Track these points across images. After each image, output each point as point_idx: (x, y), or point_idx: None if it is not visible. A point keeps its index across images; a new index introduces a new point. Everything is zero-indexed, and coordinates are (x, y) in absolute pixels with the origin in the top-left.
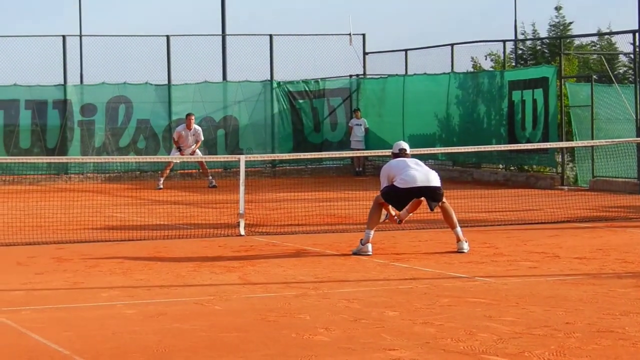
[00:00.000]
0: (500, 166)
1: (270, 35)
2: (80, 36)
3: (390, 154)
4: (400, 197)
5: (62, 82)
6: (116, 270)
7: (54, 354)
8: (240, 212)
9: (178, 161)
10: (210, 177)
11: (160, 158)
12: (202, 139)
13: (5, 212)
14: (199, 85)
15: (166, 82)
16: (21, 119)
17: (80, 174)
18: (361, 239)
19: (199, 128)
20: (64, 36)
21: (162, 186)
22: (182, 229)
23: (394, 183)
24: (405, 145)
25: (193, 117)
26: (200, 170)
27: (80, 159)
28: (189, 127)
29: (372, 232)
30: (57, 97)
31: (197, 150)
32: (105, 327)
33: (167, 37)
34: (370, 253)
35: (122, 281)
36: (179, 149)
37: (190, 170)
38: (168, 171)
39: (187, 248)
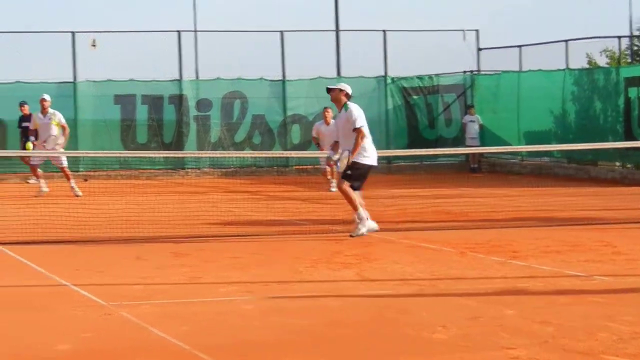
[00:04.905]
0: (617, 164)
1: (384, 31)
2: (195, 31)
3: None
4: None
5: (178, 77)
6: (233, 265)
7: (173, 348)
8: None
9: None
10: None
11: (275, 154)
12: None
13: (123, 207)
14: (313, 80)
15: (281, 78)
16: (138, 113)
17: (197, 169)
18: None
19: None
20: (179, 32)
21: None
22: (298, 224)
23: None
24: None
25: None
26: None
27: (197, 154)
28: (327, 123)
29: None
30: (173, 92)
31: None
32: (224, 322)
33: (281, 32)
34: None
35: (239, 276)
36: (318, 146)
37: (305, 166)
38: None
39: (303, 244)
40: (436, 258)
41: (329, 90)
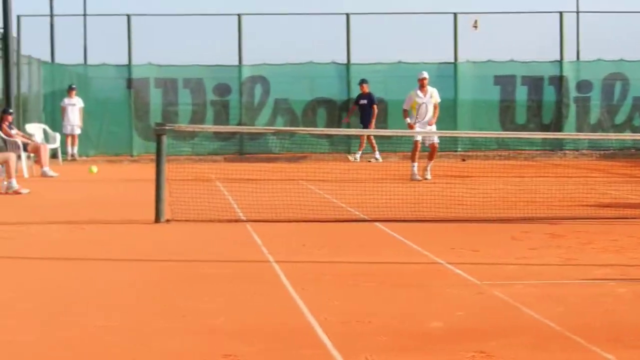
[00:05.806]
0: None
1: None
2: (577, 12)
3: None
4: None
5: (559, 59)
6: (609, 248)
7: (545, 329)
8: None
9: None
10: None
11: None
12: None
13: (500, 187)
14: None
15: None
16: (517, 94)
17: (575, 150)
18: None
19: None
20: (560, 12)
21: None
22: None
23: None
24: None
25: None
26: None
27: (575, 135)
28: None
29: None
30: (553, 73)
31: None
32: (598, 305)
33: None
34: None
35: (615, 259)
36: None
37: None
38: None
39: None
40: None
41: None
